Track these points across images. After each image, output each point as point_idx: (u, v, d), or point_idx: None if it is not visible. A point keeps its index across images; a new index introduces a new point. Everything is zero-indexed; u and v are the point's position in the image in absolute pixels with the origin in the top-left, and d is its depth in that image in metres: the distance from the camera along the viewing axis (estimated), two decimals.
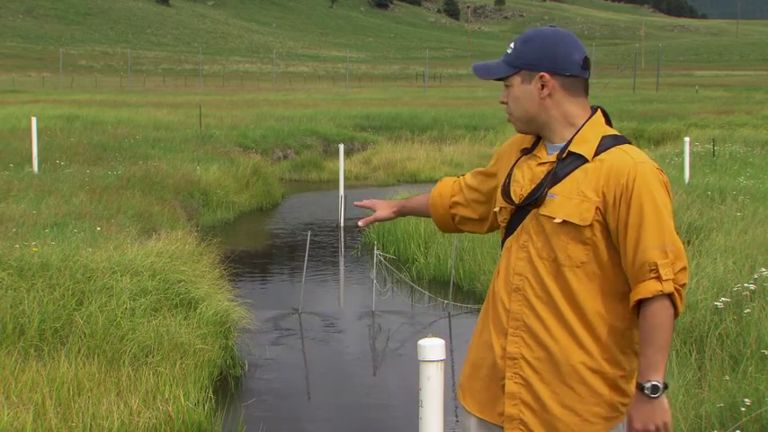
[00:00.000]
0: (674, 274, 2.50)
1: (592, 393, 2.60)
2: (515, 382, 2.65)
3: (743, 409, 4.43)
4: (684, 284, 2.54)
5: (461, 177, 3.06)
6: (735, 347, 5.44)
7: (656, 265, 2.49)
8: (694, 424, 4.62)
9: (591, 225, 2.56)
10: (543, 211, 2.62)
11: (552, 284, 2.61)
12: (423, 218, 3.42)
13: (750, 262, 7.05)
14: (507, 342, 2.67)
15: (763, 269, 6.32)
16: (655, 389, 2.48)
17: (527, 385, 2.64)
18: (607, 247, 2.58)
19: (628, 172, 2.54)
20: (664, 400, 2.51)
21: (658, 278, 2.49)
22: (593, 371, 2.59)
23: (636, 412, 2.51)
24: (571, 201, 2.58)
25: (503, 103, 2.76)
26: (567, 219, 2.57)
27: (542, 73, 2.64)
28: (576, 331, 2.59)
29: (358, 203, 3.27)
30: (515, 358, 2.65)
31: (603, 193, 2.55)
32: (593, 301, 2.59)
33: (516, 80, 2.68)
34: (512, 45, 2.71)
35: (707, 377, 5.17)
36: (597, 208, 2.56)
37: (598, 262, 2.58)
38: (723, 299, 5.86)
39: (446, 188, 3.07)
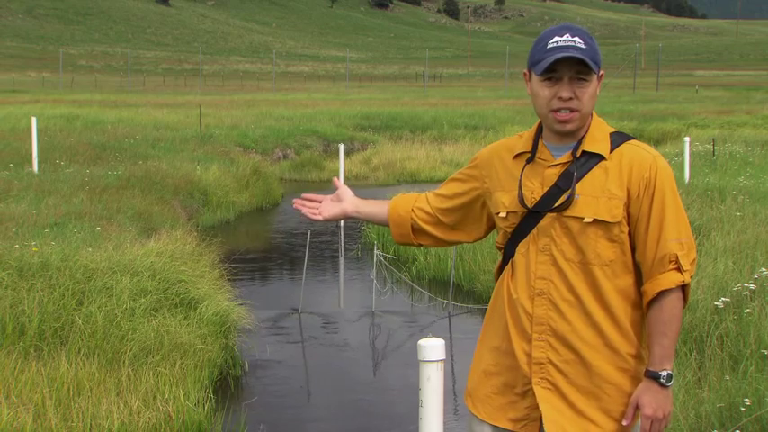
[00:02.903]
0: (689, 265, 2.57)
1: (620, 392, 2.61)
2: (543, 387, 2.65)
3: (743, 409, 4.43)
4: (692, 275, 2.60)
5: (426, 192, 2.98)
6: (735, 347, 5.43)
7: (677, 257, 2.54)
8: (694, 424, 4.62)
9: (619, 222, 2.58)
10: (568, 212, 2.61)
11: (580, 285, 2.61)
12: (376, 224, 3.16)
13: (750, 262, 7.05)
14: (532, 347, 2.65)
15: (763, 269, 6.32)
16: (669, 378, 2.55)
17: (555, 389, 2.64)
18: (631, 243, 2.62)
19: (650, 166, 2.57)
20: (671, 389, 2.57)
21: (678, 269, 2.54)
22: (622, 370, 2.61)
23: (648, 398, 2.54)
24: (597, 199, 2.58)
25: (569, 98, 2.57)
26: (597, 217, 2.57)
27: (602, 72, 2.63)
28: (605, 331, 2.60)
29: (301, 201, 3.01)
30: (542, 363, 2.64)
31: (628, 189, 2.58)
32: (620, 299, 2.61)
33: (595, 77, 2.59)
34: (578, 40, 2.55)
35: (707, 377, 5.17)
36: (624, 204, 2.58)
37: (624, 259, 2.61)
38: (723, 299, 5.86)
39: (409, 196, 2.99)
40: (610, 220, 2.57)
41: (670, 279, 2.54)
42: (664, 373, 2.53)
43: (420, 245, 2.99)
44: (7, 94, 44.39)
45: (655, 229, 2.56)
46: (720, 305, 5.77)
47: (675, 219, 2.56)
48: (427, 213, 2.92)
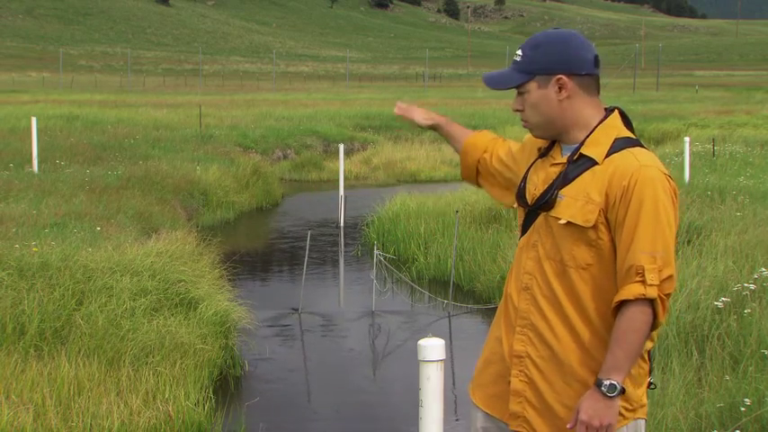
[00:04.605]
0: (660, 282, 2.49)
1: None
2: (520, 380, 2.68)
3: (743, 409, 4.43)
4: (669, 294, 2.52)
5: (499, 140, 3.07)
6: (735, 347, 5.43)
7: (643, 269, 2.48)
8: (694, 424, 4.62)
9: (595, 227, 2.56)
10: (552, 212, 2.64)
11: (557, 285, 2.62)
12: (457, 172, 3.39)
13: (750, 262, 7.05)
14: (514, 340, 2.69)
15: (763, 269, 6.32)
16: (612, 388, 2.48)
17: (531, 383, 2.66)
18: (613, 250, 2.58)
19: (631, 174, 2.53)
20: (617, 402, 2.50)
21: (643, 282, 2.47)
22: (594, 372, 2.58)
23: (586, 405, 2.50)
24: (576, 202, 2.59)
25: (517, 110, 2.74)
26: (571, 220, 2.58)
27: (559, 75, 2.63)
28: (579, 332, 2.60)
29: (399, 104, 3.23)
30: (521, 356, 2.67)
31: (607, 195, 2.56)
32: (598, 303, 2.59)
33: (532, 86, 2.66)
34: (519, 52, 2.70)
35: (707, 377, 5.17)
36: (601, 210, 2.56)
37: (604, 265, 2.58)
38: (723, 299, 5.86)
39: (481, 141, 3.08)
40: (582, 224, 2.57)
41: (631, 291, 2.48)
42: (607, 383, 2.47)
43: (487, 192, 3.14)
44: (7, 94, 44.34)
45: (627, 239, 2.51)
46: (720, 305, 5.77)
47: (652, 231, 2.49)
48: (487, 171, 3.05)
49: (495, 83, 2.73)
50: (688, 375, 5.23)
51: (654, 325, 2.51)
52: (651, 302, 2.48)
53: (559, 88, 2.63)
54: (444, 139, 3.26)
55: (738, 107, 35.40)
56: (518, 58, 2.69)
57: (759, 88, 56.28)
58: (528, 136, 2.92)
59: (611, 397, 2.48)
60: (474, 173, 3.09)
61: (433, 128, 3.19)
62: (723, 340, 5.56)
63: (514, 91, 2.74)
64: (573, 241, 2.59)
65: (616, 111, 2.70)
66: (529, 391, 2.66)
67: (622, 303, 2.50)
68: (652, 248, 2.48)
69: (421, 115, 3.16)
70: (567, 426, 2.56)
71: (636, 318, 2.48)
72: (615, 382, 2.47)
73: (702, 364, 5.42)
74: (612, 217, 2.55)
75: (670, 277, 2.50)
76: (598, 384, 2.50)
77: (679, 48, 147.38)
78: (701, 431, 4.58)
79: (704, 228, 8.80)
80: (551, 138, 2.73)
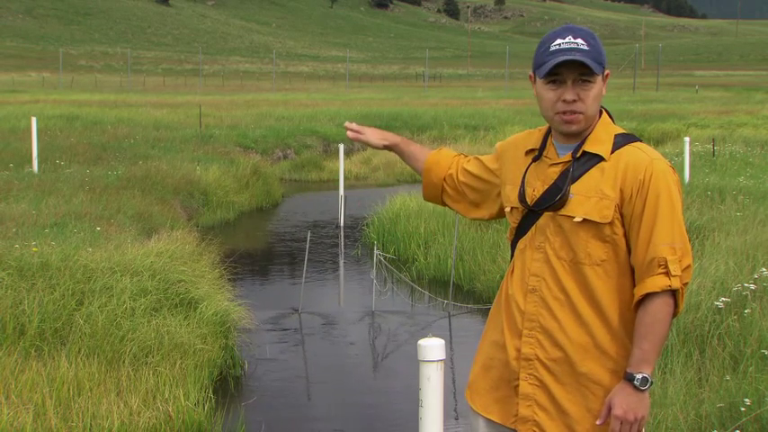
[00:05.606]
0: (681, 271, 2.53)
1: (607, 393, 2.60)
2: (530, 383, 2.66)
3: (743, 408, 4.42)
4: (687, 283, 2.56)
5: (461, 157, 3.02)
6: (735, 347, 5.43)
7: (666, 261, 2.51)
8: (694, 424, 4.62)
9: (611, 223, 2.57)
10: (562, 210, 2.62)
11: (570, 284, 2.61)
12: (416, 187, 3.27)
13: (750, 262, 7.05)
14: (522, 343, 2.67)
15: (764, 269, 6.32)
16: (644, 381, 2.51)
17: (542, 386, 2.64)
18: (627, 245, 2.60)
19: (645, 168, 2.56)
20: (648, 394, 2.54)
21: (667, 273, 2.51)
22: (610, 371, 2.60)
23: (619, 399, 2.52)
24: (590, 199, 2.59)
25: (572, 101, 2.60)
26: (587, 217, 2.58)
27: (608, 72, 2.66)
28: (594, 331, 2.60)
29: (349, 126, 3.07)
30: (530, 359, 2.66)
31: (621, 190, 2.57)
32: (612, 299, 2.60)
33: (599, 78, 2.61)
34: (581, 41, 2.57)
35: (707, 377, 5.17)
36: (616, 205, 2.57)
37: (618, 259, 2.60)
38: (723, 299, 5.86)
39: (444, 159, 3.03)
40: (599, 221, 2.57)
41: (656, 283, 2.51)
42: (639, 376, 2.51)
43: (450, 208, 3.07)
44: (7, 94, 44.30)
45: (646, 232, 2.54)
46: (721, 305, 5.77)
47: (669, 223, 2.53)
48: (455, 188, 2.99)
49: (593, 65, 2.55)
50: (688, 375, 5.23)
51: (674, 314, 2.55)
52: (673, 293, 2.53)
53: (603, 83, 2.66)
54: (402, 159, 3.14)
55: (738, 107, 35.41)
56: (584, 47, 2.56)
57: (759, 88, 56.32)
58: (500, 144, 2.90)
59: (643, 390, 2.51)
60: (439, 191, 3.03)
61: (389, 148, 3.08)
62: (723, 340, 5.56)
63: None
64: (587, 238, 2.59)
65: (604, 111, 2.72)
66: (539, 393, 2.65)
67: (645, 296, 2.53)
68: (671, 239, 2.53)
69: (375, 136, 3.05)
70: (597, 422, 2.57)
71: (661, 309, 2.52)
72: (647, 375, 2.51)
73: (702, 364, 5.42)
74: (628, 211, 2.57)
75: (689, 266, 2.55)
76: (629, 378, 2.52)
77: (679, 48, 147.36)
78: (700, 431, 4.58)
79: (704, 228, 8.80)
80: (579, 133, 2.66)
